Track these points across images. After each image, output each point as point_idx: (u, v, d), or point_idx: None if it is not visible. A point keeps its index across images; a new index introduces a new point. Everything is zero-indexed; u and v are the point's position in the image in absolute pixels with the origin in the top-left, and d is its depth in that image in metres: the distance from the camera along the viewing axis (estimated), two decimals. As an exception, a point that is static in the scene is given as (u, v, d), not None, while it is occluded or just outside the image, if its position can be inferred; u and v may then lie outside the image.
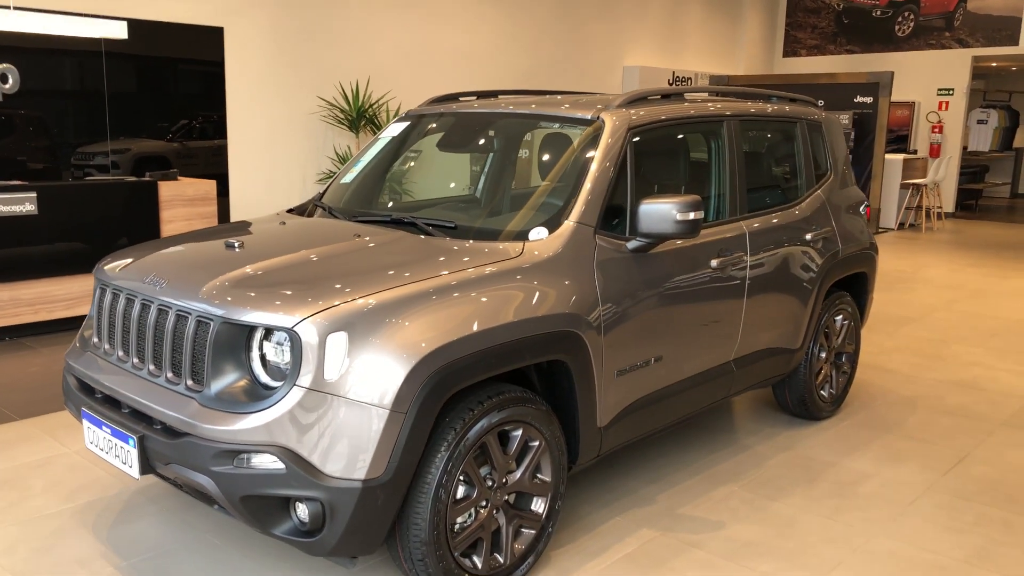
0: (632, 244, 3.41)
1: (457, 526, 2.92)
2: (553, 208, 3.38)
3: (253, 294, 2.79)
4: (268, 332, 2.72)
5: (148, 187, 6.81)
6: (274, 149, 9.12)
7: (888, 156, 13.42)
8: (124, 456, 2.92)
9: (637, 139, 3.59)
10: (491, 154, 4.38)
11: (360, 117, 9.19)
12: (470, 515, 2.96)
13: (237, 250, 3.21)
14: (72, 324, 6.60)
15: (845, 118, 12.75)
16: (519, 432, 3.03)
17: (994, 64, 16.40)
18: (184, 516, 3.64)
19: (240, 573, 3.23)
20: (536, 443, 3.10)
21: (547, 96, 4.21)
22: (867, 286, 5.13)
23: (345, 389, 2.61)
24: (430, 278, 2.89)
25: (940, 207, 14.62)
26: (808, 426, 4.89)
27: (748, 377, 4.27)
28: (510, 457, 3.03)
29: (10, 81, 7.11)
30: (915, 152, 15.22)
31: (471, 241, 3.26)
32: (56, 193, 6.36)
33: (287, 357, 2.67)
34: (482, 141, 4.32)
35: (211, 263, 3.07)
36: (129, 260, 3.34)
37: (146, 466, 2.88)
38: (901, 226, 13.85)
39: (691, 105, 3.96)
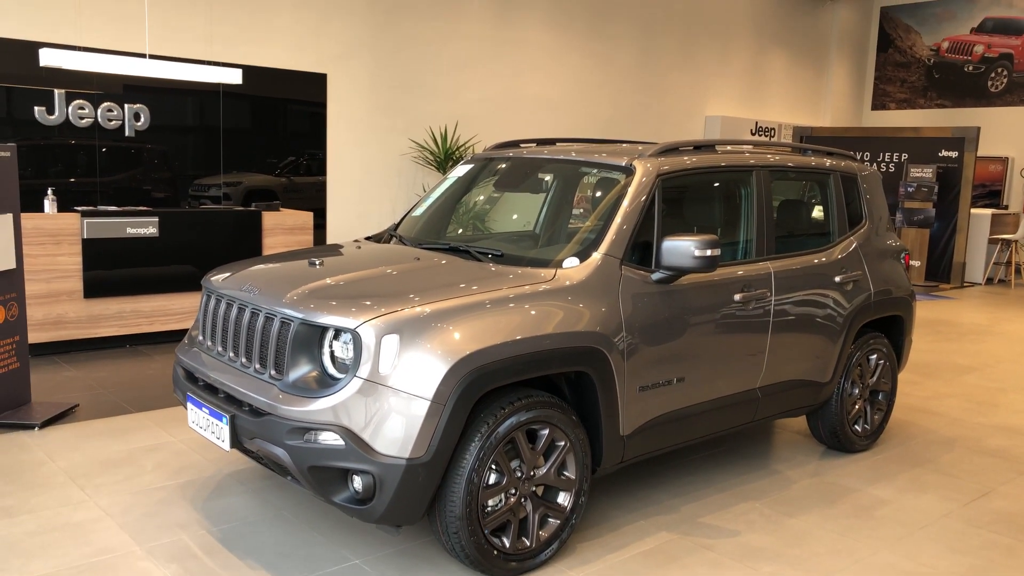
0: (656, 276, 3.89)
1: (488, 508, 3.41)
2: (587, 241, 3.90)
3: (326, 302, 3.40)
4: (337, 332, 3.31)
5: (253, 216, 7.63)
6: (368, 186, 9.91)
7: (975, 211, 13.38)
8: (218, 432, 3.55)
9: (666, 184, 4.08)
10: (544, 194, 4.93)
11: (448, 159, 9.90)
12: (500, 500, 3.45)
13: (317, 267, 3.85)
14: (183, 336, 7.39)
15: (929, 171, 12.83)
16: (546, 432, 3.52)
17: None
18: (266, 495, 4.25)
19: (307, 543, 3.81)
20: (562, 443, 3.59)
21: (594, 144, 4.75)
22: (903, 328, 5.43)
23: (395, 381, 3.17)
24: (471, 295, 3.44)
25: (1032, 263, 14.40)
26: (841, 457, 5.19)
27: (775, 405, 4.65)
28: (537, 453, 3.53)
29: (142, 119, 8.11)
30: (1006, 207, 15.07)
31: (512, 267, 3.80)
32: (175, 219, 7.22)
33: (350, 353, 3.25)
34: (531, 183, 4.88)
35: (295, 276, 3.71)
36: (230, 272, 4.01)
37: (235, 441, 3.50)
38: (989, 281, 13.70)
39: (721, 156, 4.43)
